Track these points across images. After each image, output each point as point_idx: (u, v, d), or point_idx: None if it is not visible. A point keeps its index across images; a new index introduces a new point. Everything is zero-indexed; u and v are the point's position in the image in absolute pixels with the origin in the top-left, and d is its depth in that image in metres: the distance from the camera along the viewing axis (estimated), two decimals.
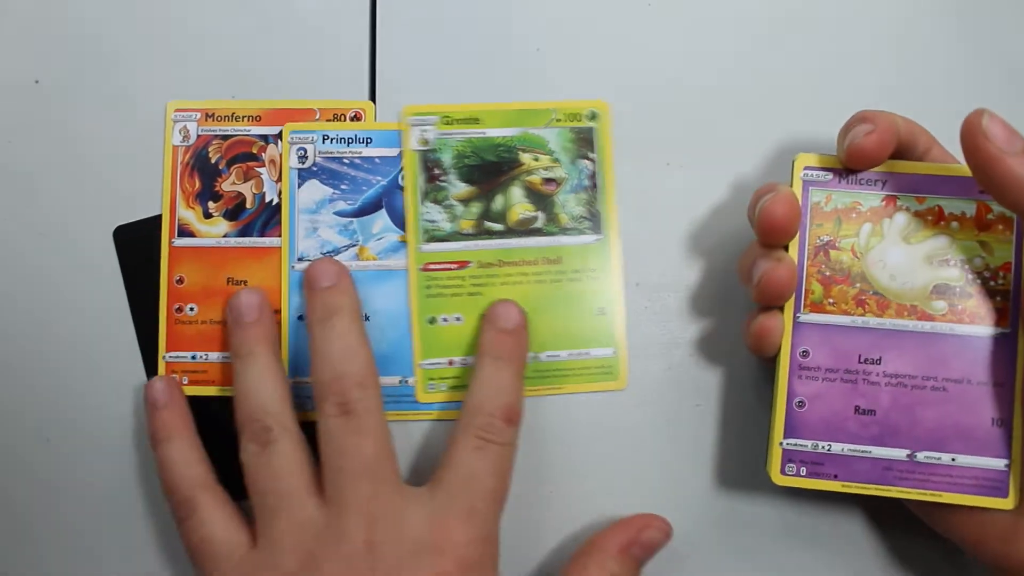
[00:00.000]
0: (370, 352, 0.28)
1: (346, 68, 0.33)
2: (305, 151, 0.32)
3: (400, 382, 0.31)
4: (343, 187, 0.32)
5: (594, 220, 0.32)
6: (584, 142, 0.32)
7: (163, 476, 0.29)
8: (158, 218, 0.32)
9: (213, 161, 0.32)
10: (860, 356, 0.27)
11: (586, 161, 0.32)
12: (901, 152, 0.28)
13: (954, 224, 0.27)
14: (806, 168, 0.28)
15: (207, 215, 0.32)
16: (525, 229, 0.32)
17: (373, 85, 0.33)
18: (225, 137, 0.32)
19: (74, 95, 0.33)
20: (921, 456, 0.27)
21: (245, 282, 0.32)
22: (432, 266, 0.31)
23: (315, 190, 0.32)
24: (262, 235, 0.32)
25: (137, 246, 0.32)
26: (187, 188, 0.32)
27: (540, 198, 0.32)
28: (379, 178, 0.32)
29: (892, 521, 0.31)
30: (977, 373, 0.27)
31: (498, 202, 0.32)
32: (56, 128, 0.33)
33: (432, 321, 0.31)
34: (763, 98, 0.33)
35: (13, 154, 0.33)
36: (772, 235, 0.27)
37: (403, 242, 0.32)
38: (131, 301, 0.32)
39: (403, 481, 0.28)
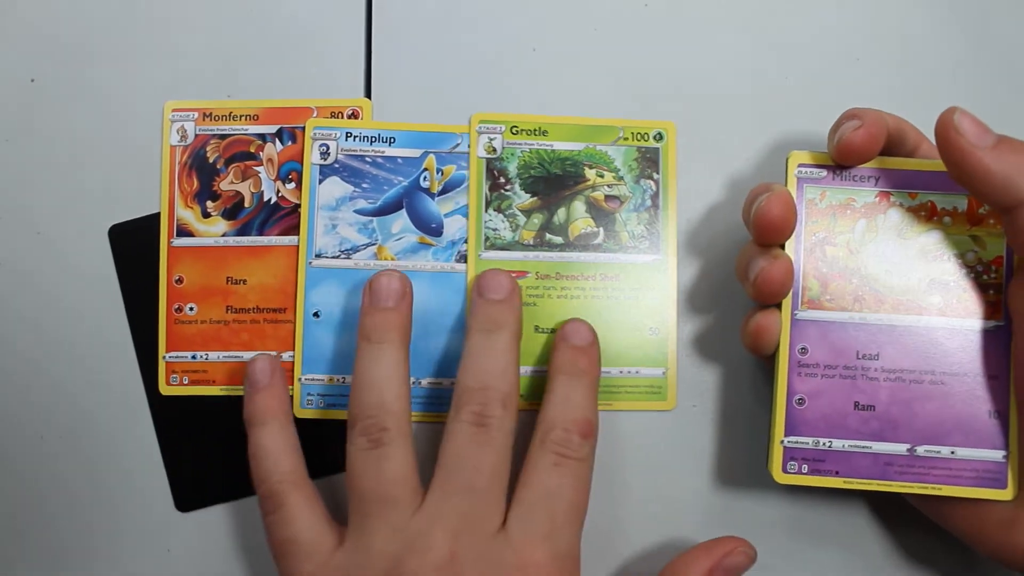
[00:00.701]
0: (519, 377, 0.28)
1: (341, 66, 0.33)
2: (327, 147, 0.32)
3: (414, 383, 0.31)
4: (364, 185, 0.32)
5: (653, 240, 0.32)
6: (649, 162, 0.32)
7: (253, 463, 0.28)
8: (153, 217, 0.32)
9: (211, 160, 0.32)
10: (858, 352, 0.27)
11: (650, 181, 0.32)
12: (891, 149, 0.28)
13: (947, 219, 0.27)
14: (800, 165, 0.28)
15: (205, 214, 0.32)
16: (585, 244, 0.32)
17: (368, 83, 0.33)
18: (223, 136, 0.33)
19: (69, 94, 0.33)
20: (921, 450, 0.27)
21: (244, 281, 0.32)
22: None
23: (336, 187, 0.32)
24: (260, 234, 0.32)
25: (132, 245, 0.32)
26: (185, 188, 0.32)
27: (602, 214, 0.32)
28: (401, 178, 0.32)
29: (895, 516, 0.31)
30: (973, 366, 0.27)
31: (560, 215, 0.32)
32: (52, 127, 0.33)
33: None
34: (757, 97, 0.33)
35: (9, 152, 0.33)
36: (769, 235, 0.27)
37: (423, 243, 0.32)
38: (126, 299, 0.32)
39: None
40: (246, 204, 0.32)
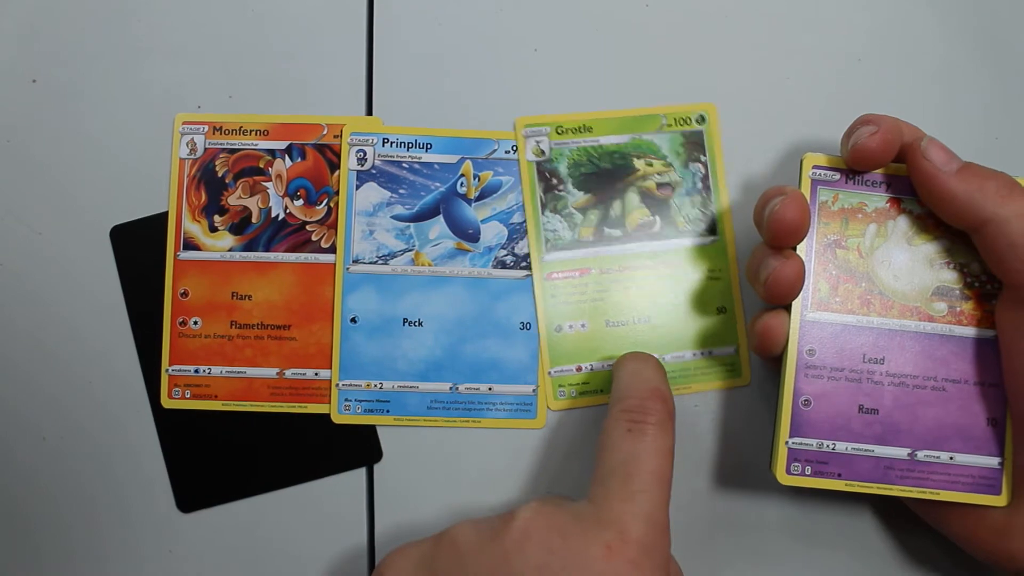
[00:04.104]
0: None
1: (342, 84, 0.33)
2: (364, 153, 0.33)
3: (451, 389, 0.32)
4: (401, 191, 0.33)
5: (709, 222, 0.33)
6: (695, 145, 0.34)
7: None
8: (156, 217, 0.33)
9: (220, 175, 0.33)
10: (864, 355, 0.28)
11: (698, 164, 0.33)
12: (903, 157, 0.28)
13: (953, 228, 0.28)
14: (814, 167, 0.28)
15: (212, 229, 0.33)
16: (643, 234, 0.33)
17: (370, 93, 0.33)
18: (232, 151, 0.33)
19: (71, 96, 0.33)
20: (921, 455, 0.28)
21: (250, 297, 0.33)
22: (556, 275, 0.33)
23: (373, 193, 0.33)
24: (267, 250, 0.33)
25: (134, 245, 0.33)
26: (193, 201, 0.33)
27: (656, 203, 0.33)
28: (438, 184, 0.33)
29: (898, 518, 0.33)
30: (973, 373, 0.28)
31: (616, 208, 0.33)
32: (53, 129, 0.33)
33: (559, 329, 0.33)
34: (771, 99, 0.34)
35: (10, 153, 0.33)
36: (783, 238, 0.28)
37: (459, 249, 0.33)
38: (128, 301, 0.33)
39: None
40: (253, 219, 0.33)
